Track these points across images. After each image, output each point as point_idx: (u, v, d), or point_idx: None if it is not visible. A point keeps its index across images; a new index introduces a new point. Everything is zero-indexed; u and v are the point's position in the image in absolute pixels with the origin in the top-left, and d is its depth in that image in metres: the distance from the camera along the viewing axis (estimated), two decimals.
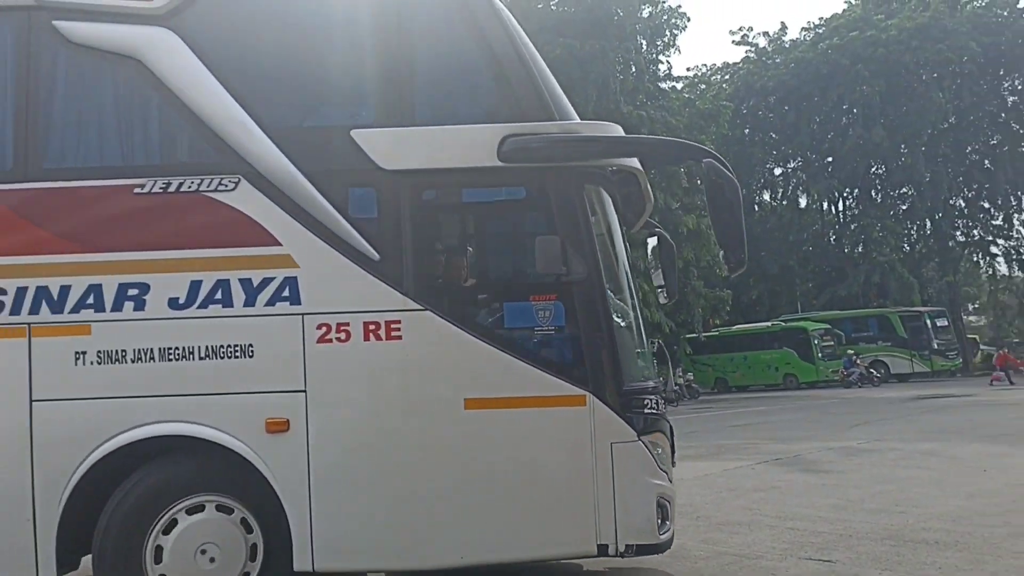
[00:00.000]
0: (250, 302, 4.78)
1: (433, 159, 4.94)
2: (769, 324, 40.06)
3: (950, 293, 44.76)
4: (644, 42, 33.73)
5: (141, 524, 4.61)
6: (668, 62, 42.55)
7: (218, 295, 4.78)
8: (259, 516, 4.72)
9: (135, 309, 4.75)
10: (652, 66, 35.00)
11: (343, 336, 4.77)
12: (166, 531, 4.63)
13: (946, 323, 38.64)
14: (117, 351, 4.72)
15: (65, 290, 4.73)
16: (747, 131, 47.54)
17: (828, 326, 37.58)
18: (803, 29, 47.47)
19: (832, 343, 37.08)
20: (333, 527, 4.69)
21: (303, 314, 4.78)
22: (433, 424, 4.81)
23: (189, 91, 4.88)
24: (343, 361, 4.78)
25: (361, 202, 4.98)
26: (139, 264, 4.78)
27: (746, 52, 48.53)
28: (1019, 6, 43.68)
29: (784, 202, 49.84)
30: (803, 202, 49.74)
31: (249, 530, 4.72)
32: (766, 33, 48.21)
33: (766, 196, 50.63)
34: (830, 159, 46.91)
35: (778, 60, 46.35)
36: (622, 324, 5.20)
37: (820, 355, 36.09)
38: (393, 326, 4.79)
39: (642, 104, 32.41)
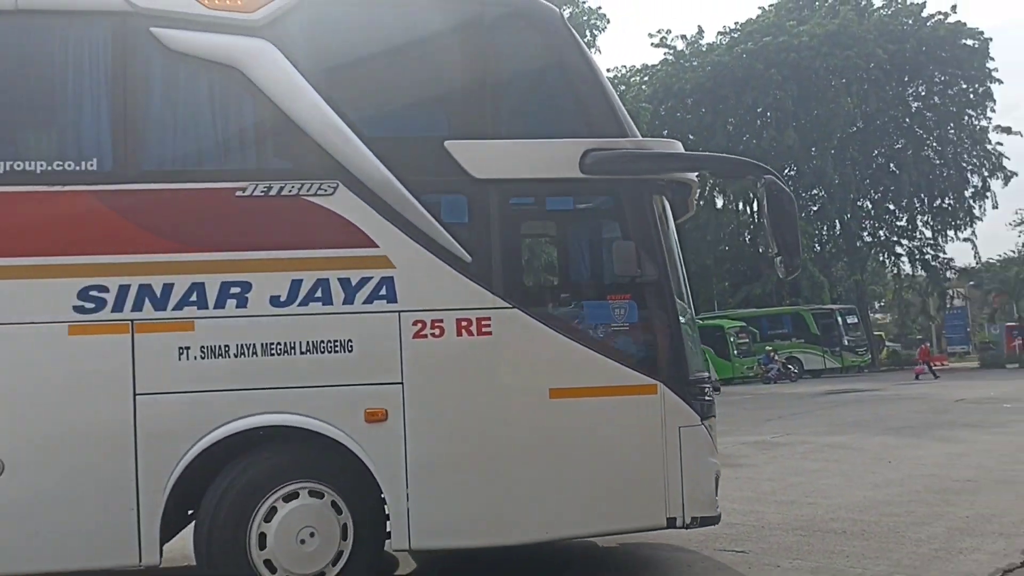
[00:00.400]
0: (349, 300, 5.05)
1: (520, 169, 5.33)
2: None
3: (858, 291, 46.26)
4: None
5: (244, 513, 4.85)
6: None
7: (318, 293, 5.03)
8: (347, 498, 5.00)
9: (238, 306, 4.95)
10: None
11: (437, 332, 5.11)
12: (267, 519, 4.88)
13: (856, 320, 40.00)
14: (220, 346, 4.92)
15: (168, 288, 4.89)
16: (665, 132, 48.24)
17: (743, 324, 38.43)
18: (719, 33, 48.37)
19: (747, 340, 37.90)
20: (428, 508, 5.01)
21: (399, 311, 5.08)
22: (521, 412, 5.20)
23: (287, 100, 5.09)
24: (437, 355, 5.12)
25: (453, 208, 5.29)
26: (241, 263, 4.99)
27: (664, 54, 49.25)
28: (922, 15, 45.47)
29: (701, 202, 50.80)
30: (720, 202, 50.81)
31: (339, 512, 4.99)
32: (684, 36, 48.98)
33: None
34: None
35: (695, 63, 47.15)
36: (684, 321, 5.61)
37: (735, 352, 36.82)
38: (484, 323, 5.15)
39: None
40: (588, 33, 34.85)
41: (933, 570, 5.66)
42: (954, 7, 48.34)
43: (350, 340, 5.04)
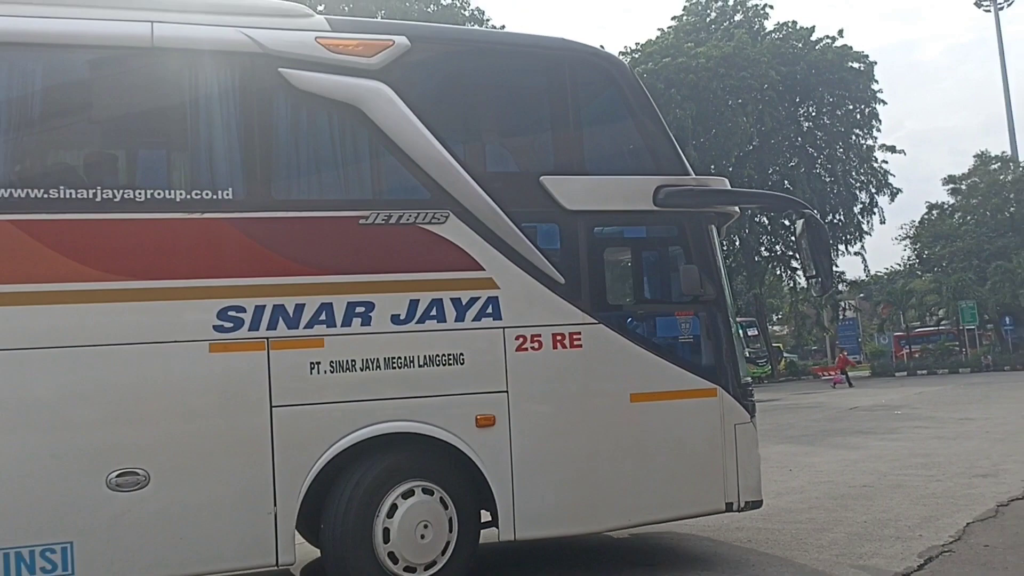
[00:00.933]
0: (460, 318, 5.61)
1: (604, 202, 6.07)
2: None
3: (757, 304, 47.61)
4: None
5: (369, 510, 5.32)
6: None
7: (433, 312, 5.56)
8: (452, 495, 5.52)
9: (362, 324, 5.42)
10: None
11: (536, 345, 5.74)
12: (389, 515, 5.34)
13: (756, 333, 41.18)
14: (348, 361, 5.37)
15: (300, 308, 5.31)
16: None
17: None
18: (620, 53, 49.44)
19: None
20: (531, 502, 5.60)
21: (504, 327, 5.68)
22: (607, 415, 5.87)
23: (402, 136, 5.59)
24: (536, 366, 5.74)
25: (547, 235, 5.94)
26: (365, 285, 5.46)
27: None
28: (812, 39, 47.37)
29: None
30: None
31: (445, 507, 5.49)
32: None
33: None
34: None
35: None
36: (735, 333, 6.48)
37: None
38: (575, 337, 5.83)
39: None
40: None
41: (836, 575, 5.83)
42: (841, 31, 50.29)
43: (462, 354, 5.58)
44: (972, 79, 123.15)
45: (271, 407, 5.19)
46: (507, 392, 5.64)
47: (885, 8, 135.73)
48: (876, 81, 47.32)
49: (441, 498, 5.49)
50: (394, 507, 5.37)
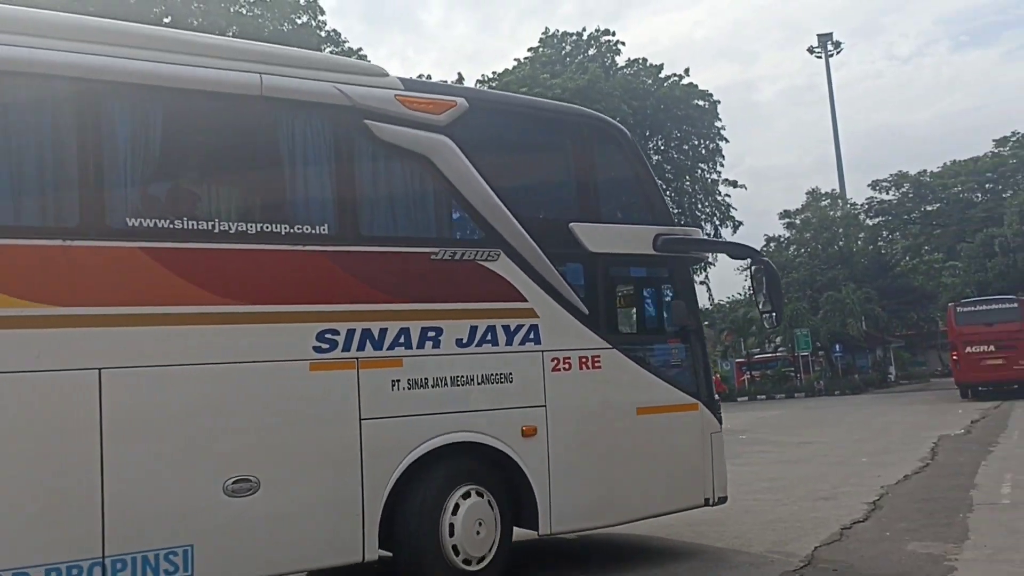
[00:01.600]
0: (509, 342, 6.51)
1: (617, 246, 7.24)
2: None
3: None
4: None
5: (437, 509, 6.03)
6: None
7: (488, 336, 6.42)
8: (496, 497, 6.32)
9: (433, 347, 6.18)
10: None
11: (567, 366, 6.74)
12: (454, 512, 6.07)
13: None
14: (422, 379, 6.10)
15: (383, 332, 6.00)
16: None
17: None
18: (478, 82, 49.88)
19: None
20: (563, 501, 6.50)
21: (543, 351, 6.65)
22: (620, 425, 6.93)
23: (463, 184, 6.44)
24: (567, 383, 6.72)
25: (575, 273, 6.94)
26: (436, 312, 6.22)
27: None
28: (660, 76, 49.27)
29: None
30: None
31: (491, 508, 6.28)
32: (445, 82, 50.07)
33: None
34: None
35: None
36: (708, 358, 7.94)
37: None
38: (596, 359, 6.89)
39: None
40: None
41: None
42: (687, 70, 52.51)
43: (510, 373, 6.48)
44: (804, 120, 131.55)
45: (360, 419, 5.84)
46: (545, 406, 6.59)
47: (726, 49, 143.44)
48: (719, 118, 49.64)
49: (488, 500, 6.27)
50: (457, 506, 6.11)
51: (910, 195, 52.67)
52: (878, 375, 48.87)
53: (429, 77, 56.83)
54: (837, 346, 44.27)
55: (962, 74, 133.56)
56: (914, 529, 7.97)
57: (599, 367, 6.88)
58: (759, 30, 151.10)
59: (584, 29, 51.86)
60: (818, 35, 60.38)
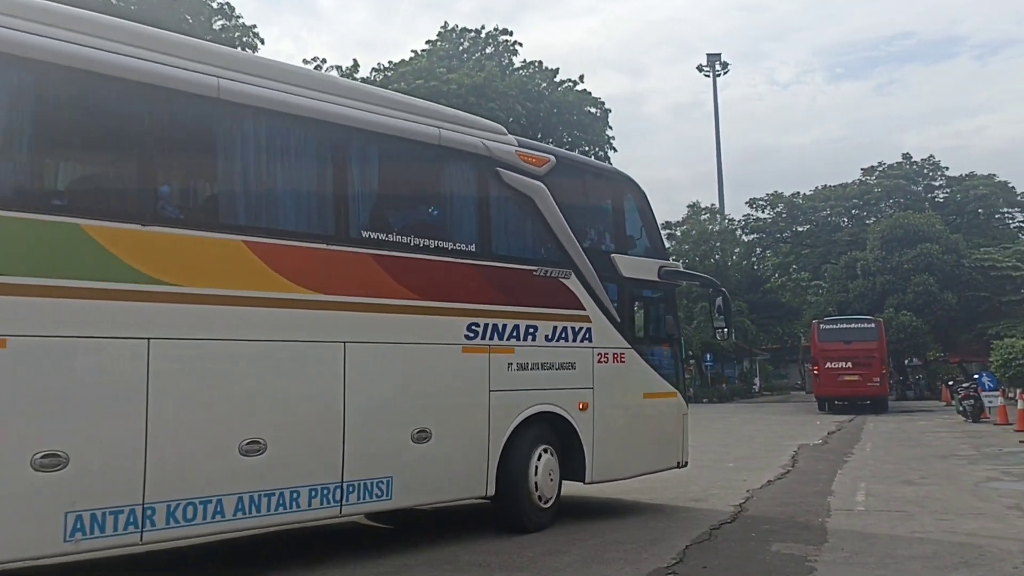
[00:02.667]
0: (574, 339, 8.90)
1: (639, 273, 9.88)
2: None
3: None
4: None
5: (527, 461, 8.30)
6: None
7: (562, 334, 8.80)
8: (559, 455, 8.72)
9: (532, 340, 8.47)
10: None
11: (607, 360, 9.24)
12: (538, 461, 8.40)
13: None
14: (524, 363, 8.41)
15: (504, 327, 8.22)
16: None
17: None
18: (374, 70, 49.28)
19: None
20: (601, 459, 8.95)
21: (593, 348, 9.10)
22: (635, 405, 9.55)
23: (552, 221, 8.80)
24: (606, 372, 9.20)
25: (612, 291, 9.37)
26: (534, 315, 8.52)
27: None
28: (555, 80, 49.87)
29: None
30: None
31: (557, 463, 8.70)
32: (340, 67, 49.15)
33: None
34: None
35: None
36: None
37: None
38: (621, 356, 9.44)
39: None
40: (242, 50, 33.60)
41: None
42: (581, 76, 53.36)
43: (574, 363, 8.91)
44: (688, 136, 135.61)
45: (489, 391, 8.06)
46: (593, 388, 9.07)
47: (617, 61, 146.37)
48: (610, 127, 50.64)
49: (555, 457, 8.68)
50: (539, 458, 8.47)
51: (783, 215, 55.02)
52: (744, 385, 50.95)
53: (324, 61, 56.00)
54: (708, 355, 45.83)
55: (836, 103, 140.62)
56: (777, 531, 8.37)
57: (623, 362, 9.47)
58: (650, 45, 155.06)
59: (483, 27, 51.98)
60: (707, 54, 62.52)
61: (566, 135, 50.42)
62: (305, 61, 53.30)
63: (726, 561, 7.08)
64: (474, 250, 8.02)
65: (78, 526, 5.34)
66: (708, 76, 62.07)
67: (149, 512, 5.64)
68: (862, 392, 31.52)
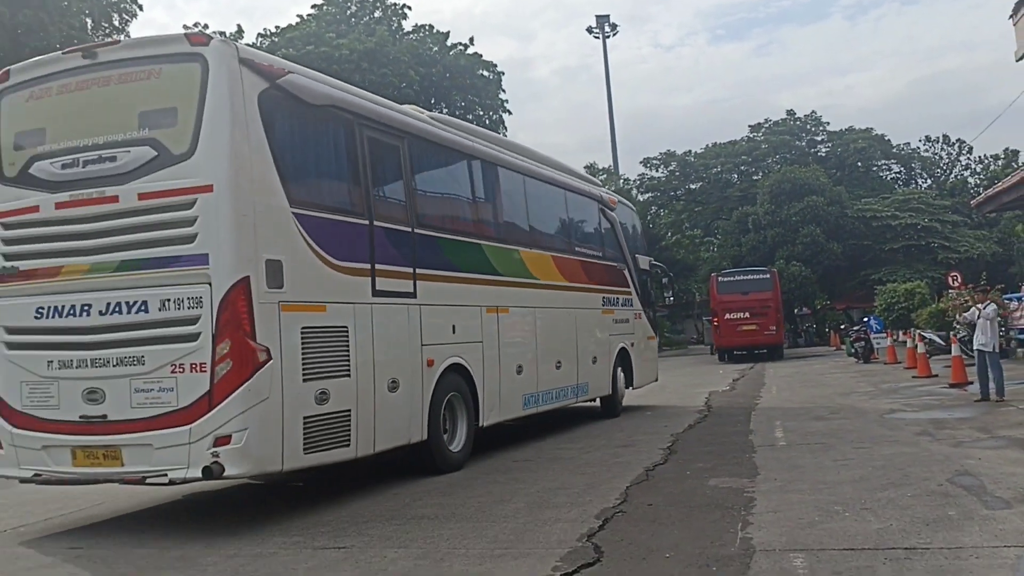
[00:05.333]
0: (627, 306, 15.29)
1: (644, 265, 16.51)
2: None
3: None
4: (91, 21, 30.68)
5: (617, 377, 14.86)
6: None
7: (624, 302, 15.08)
8: (624, 372, 15.10)
9: (618, 306, 14.75)
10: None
11: (637, 317, 15.67)
12: (620, 373, 14.98)
13: None
14: (616, 319, 14.64)
15: (611, 298, 14.44)
16: None
17: None
18: (260, 35, 47.67)
19: None
20: (637, 376, 15.65)
21: (632, 310, 15.48)
22: (646, 343, 16.40)
23: (620, 237, 15.16)
24: (637, 325, 15.69)
25: (635, 276, 15.69)
26: (617, 291, 14.78)
27: None
28: (447, 44, 49.30)
29: None
30: None
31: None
32: (223, 33, 47.34)
33: None
34: None
35: None
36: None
37: None
38: (640, 315, 15.88)
39: None
40: (118, 17, 31.97)
41: (527, 541, 5.98)
42: (471, 39, 52.90)
43: (628, 320, 15.12)
44: (575, 100, 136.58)
45: (609, 335, 14.18)
46: (634, 334, 15.30)
47: (504, 26, 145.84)
48: (504, 91, 50.44)
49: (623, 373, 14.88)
50: (620, 376, 14.61)
51: (676, 173, 56.22)
52: None
53: (207, 26, 53.79)
54: None
55: (717, 65, 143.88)
56: (710, 468, 8.58)
57: (640, 319, 15.86)
58: (536, 9, 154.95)
59: None
60: (596, 16, 62.63)
61: (459, 99, 49.96)
62: (185, 26, 50.92)
63: (669, 498, 7.21)
64: (599, 254, 14.24)
65: (528, 402, 11.20)
66: (598, 38, 62.25)
67: (535, 397, 11.37)
68: (760, 341, 32.65)
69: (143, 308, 6.68)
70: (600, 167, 53.83)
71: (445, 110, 50.05)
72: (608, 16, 61.92)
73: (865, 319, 30.81)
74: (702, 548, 5.54)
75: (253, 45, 47.06)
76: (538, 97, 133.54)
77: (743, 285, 33.50)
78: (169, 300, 6.59)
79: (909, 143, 57.70)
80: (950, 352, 17.39)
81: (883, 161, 56.86)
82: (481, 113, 49.92)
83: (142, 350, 6.66)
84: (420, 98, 47.91)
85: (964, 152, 59.20)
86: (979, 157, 58.80)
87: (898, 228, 45.00)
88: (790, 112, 56.54)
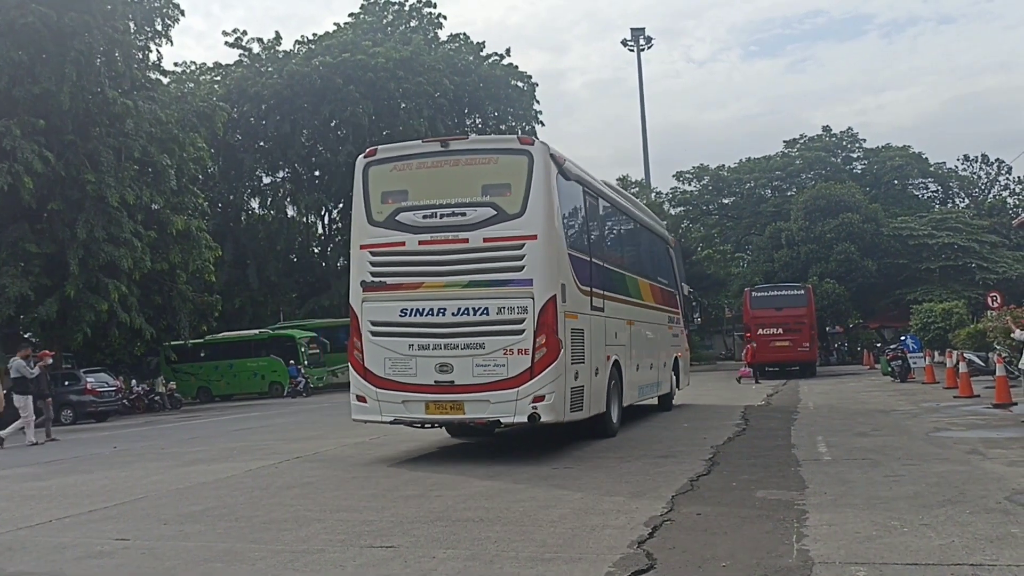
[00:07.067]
0: (677, 323, 18.96)
1: (685, 291, 21.21)
2: (257, 332, 39.37)
3: None
4: (133, 24, 31.05)
5: (671, 381, 19.01)
6: (159, 52, 39.65)
7: (675, 321, 18.80)
8: (675, 376, 19.71)
9: (673, 324, 18.60)
10: (141, 53, 32.31)
11: (682, 333, 19.82)
12: (677, 377, 19.51)
13: None
14: (673, 334, 18.51)
15: (672, 318, 18.46)
16: (239, 136, 46.56)
17: (315, 334, 38.11)
18: (297, 42, 48.12)
19: (318, 350, 37.70)
20: (682, 379, 20.14)
21: (680, 328, 19.42)
22: (680, 339, 19.51)
23: (676, 267, 19.84)
24: (682, 339, 19.69)
25: (681, 300, 20.06)
26: (672, 312, 18.49)
27: (240, 56, 47.64)
28: (482, 54, 49.46)
29: (273, 211, 49.74)
30: (291, 212, 50.16)
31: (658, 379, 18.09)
32: (261, 40, 47.82)
33: (255, 204, 50.02)
34: (318, 172, 48.04)
35: (271, 69, 46.22)
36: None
37: (306, 362, 36.40)
38: (685, 332, 20.34)
39: (128, 92, 29.75)
40: (161, 21, 32.32)
41: (577, 547, 5.88)
42: (508, 50, 53.18)
43: (677, 335, 18.85)
44: (608, 114, 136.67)
45: (670, 345, 17.94)
46: (681, 346, 19.38)
47: (537, 39, 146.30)
48: (537, 101, 50.50)
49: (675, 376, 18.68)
50: (671, 374, 18.24)
51: (709, 187, 55.90)
52: None
53: (244, 32, 54.39)
54: None
55: (751, 81, 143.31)
56: (756, 480, 8.41)
57: (684, 334, 19.80)
58: (570, 22, 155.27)
59: (406, 0, 51.16)
60: (632, 29, 62.74)
61: (493, 110, 50.11)
62: (225, 33, 51.16)
63: (716, 508, 7.06)
64: (667, 282, 17.64)
65: (640, 392, 14.78)
66: (632, 51, 62.32)
67: (641, 389, 14.61)
68: (793, 357, 32.34)
69: (485, 312, 9.96)
70: (632, 179, 53.69)
71: (478, 119, 50.24)
72: (643, 29, 61.94)
73: (902, 338, 30.37)
74: (759, 558, 5.41)
75: (291, 52, 47.40)
76: (570, 110, 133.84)
77: (777, 300, 33.22)
78: (504, 307, 9.94)
79: (945, 162, 56.99)
80: (989, 373, 17.07)
81: (920, 179, 56.17)
82: (514, 123, 50.00)
83: (483, 339, 9.92)
84: (454, 107, 48.16)
85: (1003, 172, 58.39)
86: (1018, 177, 57.99)
87: (935, 247, 44.41)
88: (826, 128, 56.14)
